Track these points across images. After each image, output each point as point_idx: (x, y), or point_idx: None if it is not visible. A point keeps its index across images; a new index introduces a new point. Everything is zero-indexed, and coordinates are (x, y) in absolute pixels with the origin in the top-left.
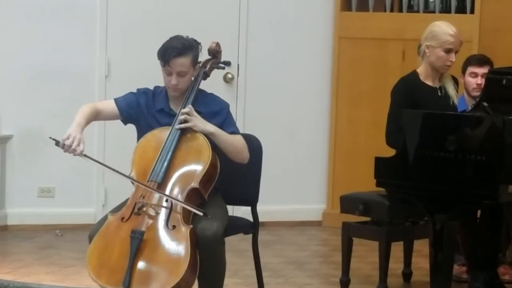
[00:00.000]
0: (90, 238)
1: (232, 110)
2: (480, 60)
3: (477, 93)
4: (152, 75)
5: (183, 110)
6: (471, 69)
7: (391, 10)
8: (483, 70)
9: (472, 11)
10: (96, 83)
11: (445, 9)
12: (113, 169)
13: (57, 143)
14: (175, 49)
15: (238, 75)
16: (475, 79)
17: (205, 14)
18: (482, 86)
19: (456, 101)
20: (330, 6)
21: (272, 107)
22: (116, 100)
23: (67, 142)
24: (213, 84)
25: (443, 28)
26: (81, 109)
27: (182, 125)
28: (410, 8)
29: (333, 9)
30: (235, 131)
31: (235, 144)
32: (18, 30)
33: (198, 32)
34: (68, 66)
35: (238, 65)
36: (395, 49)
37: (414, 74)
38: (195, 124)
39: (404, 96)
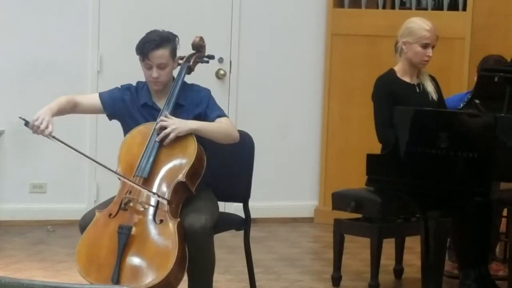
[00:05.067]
0: (81, 228)
1: (224, 106)
2: (498, 61)
3: None
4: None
5: (157, 127)
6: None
7: (384, 7)
8: None
9: (464, 8)
10: (88, 78)
11: (437, 6)
12: (87, 156)
13: (27, 123)
14: (153, 42)
15: (230, 71)
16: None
17: (198, 11)
18: None
19: (435, 97)
20: (323, 3)
21: (264, 104)
22: (100, 94)
23: (36, 123)
24: (205, 80)
25: (419, 23)
26: (57, 98)
27: (162, 135)
28: (403, 5)
29: (326, 6)
30: (220, 114)
31: (221, 130)
32: (10, 25)
33: (191, 28)
34: (60, 61)
35: (230, 61)
36: (387, 46)
37: (391, 72)
38: (177, 129)
39: (385, 93)
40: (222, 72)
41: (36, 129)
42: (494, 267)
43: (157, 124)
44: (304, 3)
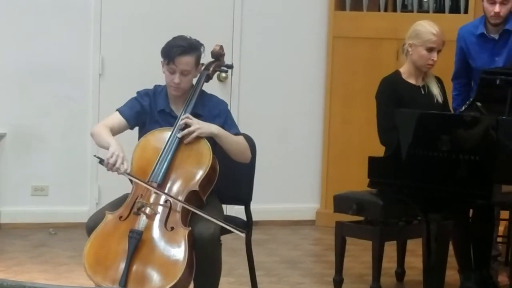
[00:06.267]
0: (88, 229)
1: None
2: None
3: (495, 21)
4: (145, 74)
5: (181, 122)
6: None
7: (385, 10)
8: None
9: (466, 11)
10: (90, 81)
11: (439, 9)
12: (166, 193)
13: (101, 161)
14: (181, 47)
15: (232, 74)
16: (492, 6)
17: (200, 14)
18: (501, 14)
19: (440, 100)
20: (324, 6)
21: (266, 107)
22: (120, 111)
23: (111, 161)
24: (207, 83)
25: (426, 27)
26: (100, 132)
27: (185, 132)
28: (404, 8)
29: (327, 9)
30: (237, 132)
31: (238, 145)
32: (12, 28)
33: (193, 32)
34: (62, 64)
35: (232, 64)
36: (389, 49)
37: (396, 73)
38: (200, 129)
39: (389, 95)
40: (223, 75)
41: (111, 167)
42: (502, 279)
43: (181, 120)
44: (305, 6)
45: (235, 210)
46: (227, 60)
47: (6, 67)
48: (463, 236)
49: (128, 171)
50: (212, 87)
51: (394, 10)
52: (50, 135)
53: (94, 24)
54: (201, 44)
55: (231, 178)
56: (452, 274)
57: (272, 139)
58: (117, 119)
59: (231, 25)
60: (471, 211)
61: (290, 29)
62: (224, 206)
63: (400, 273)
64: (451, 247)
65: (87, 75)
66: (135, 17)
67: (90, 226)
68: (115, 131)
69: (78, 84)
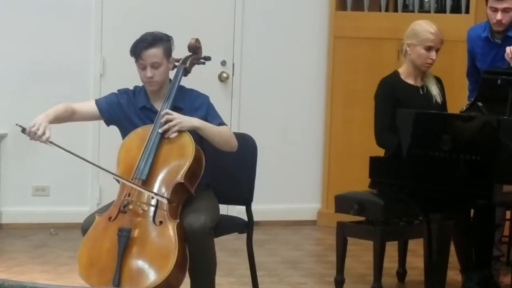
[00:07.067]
0: (83, 231)
1: (227, 109)
2: None
3: (497, 28)
4: None
5: (162, 120)
6: (490, 3)
7: (386, 10)
8: (503, 5)
9: (467, 11)
10: (91, 81)
11: (440, 9)
12: (87, 160)
13: (23, 130)
14: (145, 41)
15: (233, 74)
16: (494, 14)
17: (201, 14)
18: (503, 21)
19: (439, 100)
20: (325, 6)
21: (267, 107)
22: (97, 100)
23: (33, 129)
24: (207, 83)
25: (424, 26)
26: (55, 106)
27: (165, 127)
28: (405, 8)
29: (328, 9)
30: (221, 123)
31: (222, 134)
32: (12, 28)
33: (193, 31)
34: (63, 64)
35: (233, 64)
36: (390, 49)
37: (395, 74)
38: (181, 123)
39: (386, 95)
40: (225, 75)
41: (33, 135)
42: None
43: (161, 117)
44: (306, 6)
45: (236, 210)
46: (228, 59)
47: (6, 67)
48: (465, 236)
49: (50, 139)
50: (212, 87)
51: (395, 10)
52: (51, 135)
53: (95, 24)
54: (169, 37)
55: (232, 178)
56: (454, 274)
57: (273, 139)
58: (91, 106)
59: (232, 25)
60: (472, 211)
61: (291, 29)
62: (225, 206)
63: (401, 273)
64: (452, 248)
65: (88, 75)
66: (136, 17)
67: (85, 229)
68: (81, 116)
69: (78, 84)
